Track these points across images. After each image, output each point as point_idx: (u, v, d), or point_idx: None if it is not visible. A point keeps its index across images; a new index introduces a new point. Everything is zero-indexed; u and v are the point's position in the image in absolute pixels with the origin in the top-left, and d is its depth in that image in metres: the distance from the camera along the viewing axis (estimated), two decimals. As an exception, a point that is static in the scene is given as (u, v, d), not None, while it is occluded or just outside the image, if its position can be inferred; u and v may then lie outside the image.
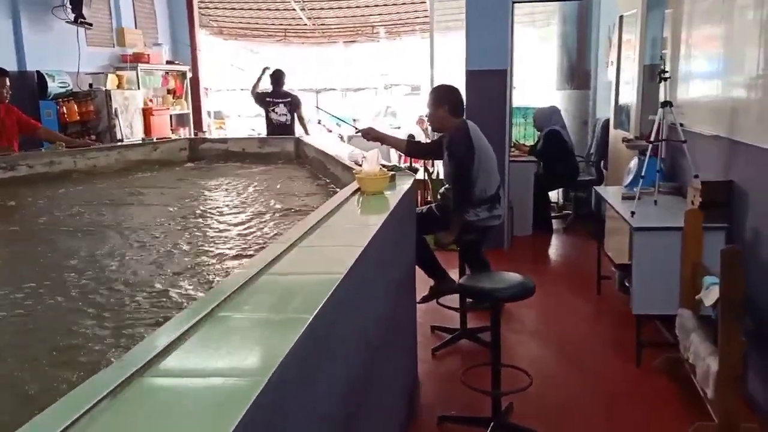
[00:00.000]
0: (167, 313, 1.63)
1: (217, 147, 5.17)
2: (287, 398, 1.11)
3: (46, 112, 5.42)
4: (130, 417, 0.89)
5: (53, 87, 5.45)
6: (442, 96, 3.55)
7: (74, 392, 0.93)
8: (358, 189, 2.56)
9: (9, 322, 1.69)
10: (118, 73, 6.35)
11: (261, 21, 10.47)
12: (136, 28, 6.86)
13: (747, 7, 3.00)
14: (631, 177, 4.17)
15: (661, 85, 3.75)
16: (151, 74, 6.90)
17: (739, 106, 3.09)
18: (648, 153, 3.76)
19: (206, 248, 2.39)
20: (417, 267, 3.60)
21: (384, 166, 2.94)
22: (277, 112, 6.71)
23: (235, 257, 2.22)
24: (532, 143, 6.63)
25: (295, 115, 6.86)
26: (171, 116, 7.21)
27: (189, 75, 7.58)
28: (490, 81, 5.29)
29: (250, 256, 2.18)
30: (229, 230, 2.70)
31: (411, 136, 5.82)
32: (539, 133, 6.36)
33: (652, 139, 3.66)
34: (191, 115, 7.63)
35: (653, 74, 4.29)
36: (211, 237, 2.58)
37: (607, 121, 6.02)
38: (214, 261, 2.22)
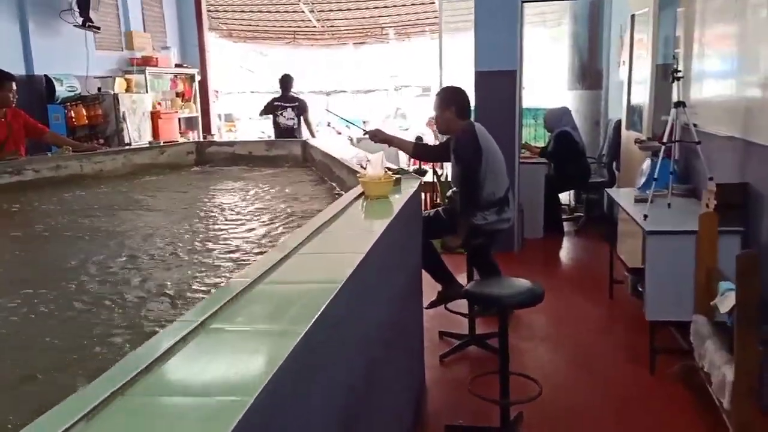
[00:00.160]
0: (158, 326, 1.58)
1: (224, 150, 5.14)
2: (278, 415, 1.06)
3: (54, 116, 5.43)
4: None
5: (61, 91, 5.46)
6: (449, 98, 3.49)
7: (49, 413, 0.88)
8: (362, 193, 2.51)
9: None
10: (127, 76, 6.36)
11: (270, 23, 10.47)
12: (144, 31, 6.87)
13: (761, 5, 2.91)
14: (643, 179, 4.08)
15: (674, 84, 3.67)
16: (160, 77, 6.90)
17: (753, 105, 3.00)
18: (661, 154, 3.67)
19: (208, 254, 2.35)
20: (424, 272, 3.55)
21: (389, 169, 2.90)
22: (285, 116, 6.80)
23: (236, 264, 2.18)
24: (543, 144, 6.55)
25: (302, 118, 6.87)
26: (179, 119, 7.21)
27: (198, 78, 7.58)
28: (500, 82, 5.22)
29: (252, 262, 2.13)
30: (231, 235, 2.66)
31: (419, 138, 5.79)
32: (550, 134, 6.28)
33: (665, 140, 3.58)
34: (200, 118, 7.63)
35: (666, 74, 4.21)
36: (214, 242, 2.54)
37: (619, 122, 5.93)
38: (214, 268, 2.17)
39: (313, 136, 6.85)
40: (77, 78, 5.69)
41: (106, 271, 2.15)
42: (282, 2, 9.52)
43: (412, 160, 6.13)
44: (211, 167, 4.87)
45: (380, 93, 17.66)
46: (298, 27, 10.48)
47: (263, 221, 2.88)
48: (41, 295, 1.89)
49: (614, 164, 6.15)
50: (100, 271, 2.16)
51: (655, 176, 3.56)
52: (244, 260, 2.24)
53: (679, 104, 3.54)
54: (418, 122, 11.96)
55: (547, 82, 8.38)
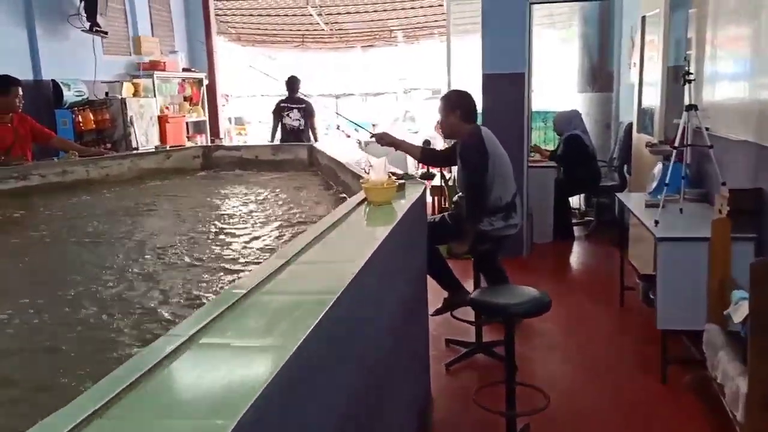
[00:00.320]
0: (149, 337, 1.54)
1: (230, 154, 5.11)
2: (267, 436, 1.01)
3: (62, 121, 5.44)
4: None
5: (69, 96, 5.47)
6: (454, 102, 3.44)
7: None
8: (365, 199, 2.46)
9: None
10: (135, 81, 6.36)
11: (279, 27, 10.47)
12: (152, 36, 6.88)
13: (776, 5, 2.84)
14: (655, 183, 4.00)
15: (686, 87, 3.59)
16: (168, 82, 6.91)
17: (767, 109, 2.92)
18: (672, 158, 3.59)
19: (209, 261, 2.31)
20: (430, 278, 3.49)
21: (393, 174, 2.85)
22: (291, 117, 6.86)
23: (235, 272, 2.14)
24: (553, 148, 6.47)
25: (308, 122, 6.92)
26: (187, 123, 7.22)
27: (205, 82, 7.58)
28: (508, 85, 5.16)
29: (249, 271, 2.09)
30: (233, 241, 2.62)
31: (427, 142, 5.73)
32: (560, 137, 6.20)
33: (676, 144, 3.50)
34: (208, 122, 7.63)
35: (677, 76, 4.13)
36: (215, 249, 2.50)
37: (630, 125, 5.84)
38: (214, 276, 2.13)
39: (316, 140, 6.86)
40: (85, 82, 5.71)
41: (103, 280, 2.12)
42: (290, 6, 9.52)
43: (420, 163, 6.07)
44: (217, 172, 4.84)
45: (389, 96, 17.63)
46: (307, 30, 10.47)
47: (266, 227, 2.84)
48: (35, 305, 1.86)
49: (625, 168, 6.06)
50: (97, 281, 2.12)
51: (667, 181, 3.48)
52: (242, 269, 2.20)
53: (691, 107, 3.46)
54: (427, 125, 11.91)
55: (557, 85, 8.30)
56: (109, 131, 5.86)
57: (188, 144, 6.47)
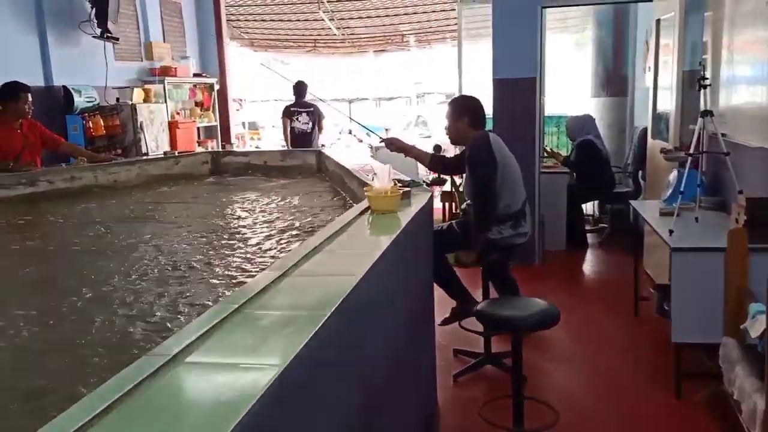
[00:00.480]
0: (134, 353, 1.49)
1: (239, 160, 5.10)
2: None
3: (72, 127, 5.45)
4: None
5: (80, 102, 5.48)
6: (462, 107, 3.38)
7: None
8: (369, 207, 2.41)
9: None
10: (146, 86, 6.37)
11: (291, 32, 10.48)
12: (164, 41, 6.90)
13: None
14: (669, 191, 3.90)
15: (701, 92, 3.49)
16: (179, 87, 6.91)
17: (787, 115, 2.83)
18: (687, 165, 3.50)
19: (207, 272, 2.27)
20: (439, 287, 3.43)
21: (400, 181, 2.79)
22: (300, 121, 7.03)
23: (231, 284, 2.09)
24: (566, 153, 6.37)
25: (317, 126, 7.11)
26: (198, 129, 7.22)
27: (216, 87, 7.58)
28: (519, 90, 5.08)
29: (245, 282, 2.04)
30: (235, 251, 2.57)
31: (437, 148, 5.66)
32: (572, 142, 6.11)
33: (691, 150, 3.40)
34: (219, 128, 7.63)
35: (693, 81, 4.02)
36: (216, 258, 2.45)
37: (644, 130, 5.73)
38: (211, 287, 2.08)
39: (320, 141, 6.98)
40: (96, 89, 5.72)
41: (102, 291, 2.08)
42: (302, 11, 9.52)
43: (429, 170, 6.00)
44: (225, 177, 4.82)
45: (402, 100, 17.61)
46: (319, 35, 10.47)
47: (269, 235, 2.80)
48: (27, 318, 1.83)
49: (640, 174, 5.95)
50: (94, 289, 2.08)
51: (682, 189, 3.38)
52: (244, 280, 2.15)
53: (707, 113, 3.37)
54: (439, 130, 11.85)
55: (570, 89, 8.20)
56: (119, 137, 5.87)
57: (199, 149, 6.46)
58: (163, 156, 5.08)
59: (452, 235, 3.41)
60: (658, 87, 5.23)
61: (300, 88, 7.18)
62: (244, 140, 11.60)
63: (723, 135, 3.37)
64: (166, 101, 6.46)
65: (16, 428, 1.27)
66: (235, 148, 7.21)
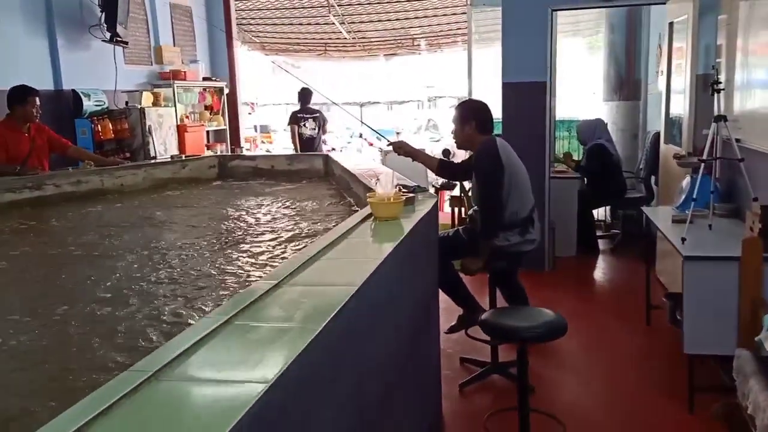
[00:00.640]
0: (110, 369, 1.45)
1: (246, 164, 5.08)
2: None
3: (81, 131, 5.47)
4: None
5: (89, 105, 5.50)
6: (469, 111, 3.32)
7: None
8: (371, 213, 2.36)
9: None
10: (155, 90, 6.38)
11: (302, 36, 10.48)
12: (174, 45, 6.91)
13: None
14: (683, 197, 3.81)
15: (715, 96, 3.41)
16: (189, 91, 6.92)
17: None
18: (701, 171, 3.41)
19: (204, 280, 2.23)
20: (445, 294, 3.37)
21: (405, 187, 2.74)
22: (307, 126, 7.28)
23: (226, 293, 2.04)
24: (578, 158, 6.29)
25: (321, 130, 7.35)
26: (208, 132, 7.22)
27: (226, 90, 7.58)
28: (528, 94, 5.01)
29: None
30: (235, 258, 2.53)
31: (446, 152, 5.62)
32: (584, 147, 6.02)
33: (704, 156, 3.32)
34: (228, 131, 7.63)
35: (706, 84, 3.94)
36: (214, 267, 2.41)
37: (657, 135, 5.63)
38: (206, 298, 2.04)
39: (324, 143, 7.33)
40: (106, 92, 5.73)
41: (98, 298, 2.05)
42: (313, 15, 9.51)
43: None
44: (232, 181, 4.80)
45: (414, 104, 17.58)
46: (330, 39, 10.46)
47: (270, 242, 2.75)
48: (19, 325, 1.80)
49: (652, 179, 5.85)
50: (89, 299, 2.05)
51: (695, 195, 3.30)
52: (238, 287, 2.10)
53: (720, 118, 3.28)
54: (450, 134, 11.79)
55: (582, 93, 8.11)
56: (128, 140, 5.88)
57: (207, 153, 6.45)
58: (170, 160, 5.07)
59: (458, 241, 3.35)
60: (671, 91, 5.14)
61: (305, 95, 7.38)
62: (256, 143, 11.63)
63: (737, 140, 3.28)
64: (175, 105, 6.47)
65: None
66: (245, 152, 7.23)
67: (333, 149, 11.41)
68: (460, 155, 5.86)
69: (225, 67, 7.74)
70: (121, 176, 4.47)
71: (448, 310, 3.60)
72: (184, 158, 5.07)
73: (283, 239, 2.77)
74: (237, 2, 8.24)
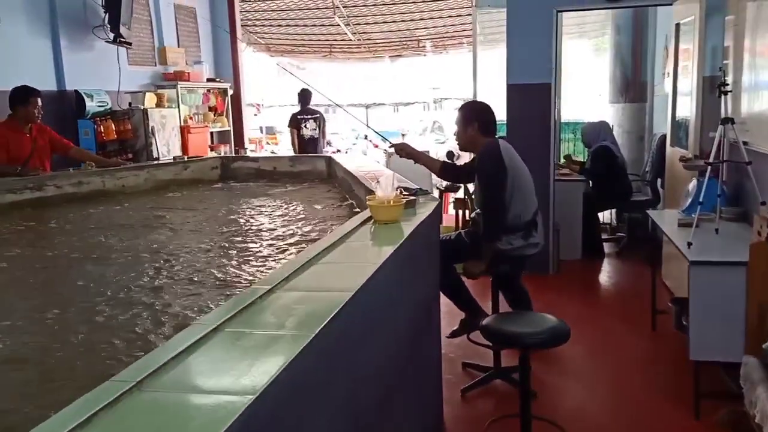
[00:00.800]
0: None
1: (248, 166, 5.05)
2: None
3: (84, 131, 5.46)
4: None
5: (92, 106, 5.49)
6: (472, 113, 3.28)
7: None
8: (371, 216, 2.32)
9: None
10: (159, 91, 6.37)
11: (307, 37, 10.47)
12: (178, 46, 6.90)
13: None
14: (689, 201, 3.75)
15: (722, 99, 3.35)
16: (193, 92, 6.90)
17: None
18: (707, 174, 3.36)
19: (200, 285, 2.19)
20: (447, 298, 3.33)
21: (406, 189, 2.70)
22: (308, 127, 7.24)
23: (220, 299, 2.01)
24: (583, 160, 6.23)
25: (322, 130, 7.39)
26: (212, 133, 7.21)
27: (230, 92, 7.56)
28: (533, 96, 4.96)
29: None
30: (232, 261, 2.50)
31: (450, 154, 5.56)
32: (588, 149, 5.96)
33: (711, 159, 3.27)
34: (232, 132, 7.61)
35: (713, 86, 3.88)
36: (212, 270, 2.38)
37: (663, 137, 5.57)
38: (202, 304, 2.00)
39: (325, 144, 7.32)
40: (109, 93, 5.72)
41: (93, 302, 2.02)
42: (318, 16, 9.49)
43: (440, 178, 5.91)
44: (234, 183, 4.78)
45: (419, 105, 17.55)
46: (335, 40, 10.44)
47: (270, 245, 2.72)
48: (10, 328, 1.77)
49: (659, 182, 5.79)
50: (85, 301, 2.02)
51: (701, 199, 3.25)
52: (234, 291, 2.07)
53: (727, 120, 3.23)
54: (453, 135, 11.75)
55: (588, 95, 8.05)
56: (131, 141, 5.86)
57: (211, 154, 6.43)
58: (172, 161, 5.05)
59: (461, 244, 3.31)
60: (678, 93, 5.08)
61: (305, 96, 7.40)
62: (261, 145, 11.61)
63: (744, 143, 3.23)
64: (178, 106, 6.45)
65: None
66: (249, 153, 7.21)
67: (338, 151, 11.40)
68: (465, 157, 5.81)
69: (229, 68, 7.73)
70: (122, 177, 4.45)
71: (450, 314, 3.56)
72: (186, 159, 5.04)
73: (283, 242, 2.73)
74: (242, 3, 8.24)
